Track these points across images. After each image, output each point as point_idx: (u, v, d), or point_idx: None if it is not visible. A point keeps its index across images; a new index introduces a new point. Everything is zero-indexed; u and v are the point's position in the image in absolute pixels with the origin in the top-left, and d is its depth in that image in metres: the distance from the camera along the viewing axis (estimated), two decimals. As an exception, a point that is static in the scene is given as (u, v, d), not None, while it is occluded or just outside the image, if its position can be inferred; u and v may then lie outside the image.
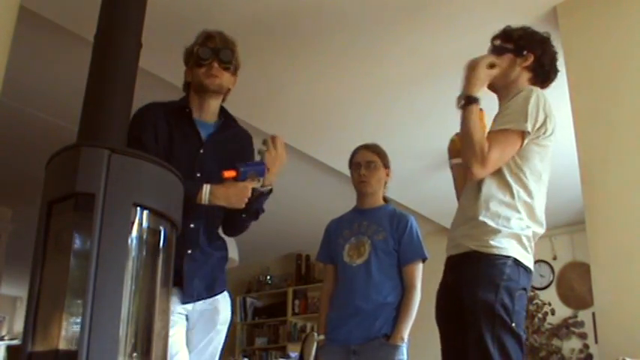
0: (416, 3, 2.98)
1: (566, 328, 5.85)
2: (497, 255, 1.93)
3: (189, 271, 2.00)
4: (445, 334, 2.07)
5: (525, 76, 2.16)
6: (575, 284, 5.89)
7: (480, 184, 2.03)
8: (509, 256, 1.93)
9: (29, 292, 1.52)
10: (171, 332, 1.87)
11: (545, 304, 6.02)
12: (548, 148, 2.07)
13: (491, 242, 1.94)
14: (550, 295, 6.04)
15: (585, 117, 2.70)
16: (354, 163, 2.83)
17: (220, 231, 2.20)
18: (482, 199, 2.00)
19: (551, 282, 6.08)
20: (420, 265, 2.70)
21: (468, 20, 3.04)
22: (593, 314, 4.42)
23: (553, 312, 5.99)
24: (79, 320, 1.43)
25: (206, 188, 1.93)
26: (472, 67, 2.08)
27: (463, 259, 1.98)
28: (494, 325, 1.85)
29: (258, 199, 2.05)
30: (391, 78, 3.64)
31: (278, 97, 3.86)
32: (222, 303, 2.12)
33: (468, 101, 2.03)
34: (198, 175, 2.04)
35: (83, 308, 1.41)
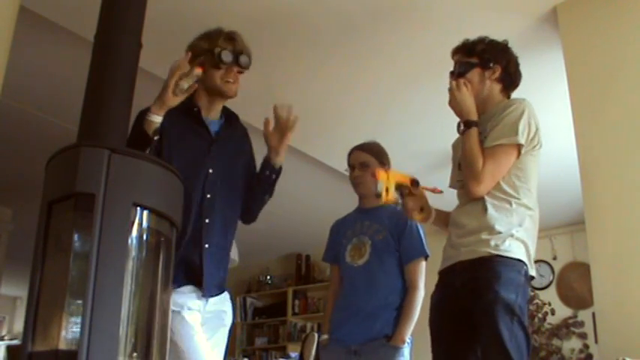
0: (416, 2, 2.98)
1: (566, 328, 5.85)
2: (515, 260, 1.98)
3: (207, 265, 2.02)
4: (444, 338, 2.09)
5: (496, 87, 2.20)
6: (575, 284, 5.89)
7: (489, 194, 2.06)
8: (524, 265, 2.00)
9: (29, 292, 1.52)
10: (193, 331, 1.91)
11: (545, 304, 6.02)
12: (537, 157, 2.12)
13: (509, 248, 1.99)
14: (550, 295, 6.04)
15: (585, 117, 2.70)
16: (349, 165, 2.83)
17: (233, 229, 2.21)
18: (494, 209, 2.04)
19: (551, 282, 6.08)
20: (423, 264, 2.68)
21: (467, 20, 3.04)
22: (593, 314, 4.42)
23: (553, 312, 5.99)
24: (79, 320, 1.43)
25: (149, 114, 1.90)
26: (457, 99, 2.13)
27: (481, 262, 2.01)
28: (513, 324, 1.91)
29: (270, 178, 2.11)
30: (390, 77, 3.64)
31: (277, 96, 3.85)
32: (227, 303, 2.14)
33: (468, 125, 2.09)
34: (210, 171, 2.09)
35: (83, 308, 1.41)
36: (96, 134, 1.69)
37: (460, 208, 2.16)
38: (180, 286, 1.95)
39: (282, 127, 2.21)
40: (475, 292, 1.98)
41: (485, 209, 2.04)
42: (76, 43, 3.08)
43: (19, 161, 4.71)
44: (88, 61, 1.79)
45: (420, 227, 2.73)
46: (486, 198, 2.05)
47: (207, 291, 2.02)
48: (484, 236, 2.01)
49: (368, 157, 2.77)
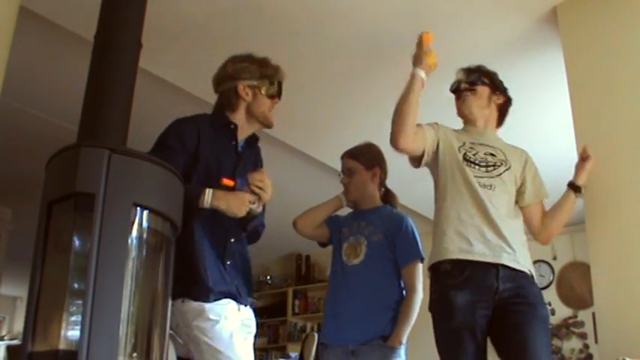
0: (416, 2, 2.98)
1: (566, 328, 5.85)
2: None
3: (238, 278, 2.10)
4: (475, 336, 2.09)
5: (495, 114, 2.39)
6: (575, 284, 5.89)
7: (518, 217, 2.29)
8: None
9: (29, 292, 1.52)
10: (235, 336, 1.97)
11: (545, 304, 6.01)
12: None
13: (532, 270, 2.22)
14: (550, 295, 6.03)
15: (585, 117, 2.70)
16: (341, 170, 2.85)
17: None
18: (522, 229, 2.28)
19: (551, 282, 6.08)
20: (419, 266, 2.67)
21: (468, 20, 3.04)
22: (593, 314, 4.41)
23: (553, 312, 5.98)
24: (79, 320, 1.43)
25: (209, 192, 1.96)
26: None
27: (525, 276, 2.17)
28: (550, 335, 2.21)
29: (253, 219, 2.14)
30: (390, 78, 3.63)
31: (278, 97, 3.86)
32: (251, 312, 2.18)
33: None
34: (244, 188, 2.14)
35: (83, 308, 1.42)
36: (96, 134, 1.69)
37: (499, 210, 2.22)
38: (217, 299, 2.00)
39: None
40: (525, 300, 2.13)
41: (521, 228, 2.28)
42: (76, 43, 3.08)
43: (19, 161, 4.71)
44: (88, 61, 1.80)
45: (415, 230, 2.72)
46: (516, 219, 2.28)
47: (242, 300, 2.09)
48: (525, 253, 2.20)
49: (353, 163, 2.78)
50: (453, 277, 2.14)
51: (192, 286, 1.96)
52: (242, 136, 2.22)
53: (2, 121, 3.98)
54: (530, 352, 2.02)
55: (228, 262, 2.08)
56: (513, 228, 2.22)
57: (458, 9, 2.99)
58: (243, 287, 2.12)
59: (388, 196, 2.85)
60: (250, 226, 2.16)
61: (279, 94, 2.22)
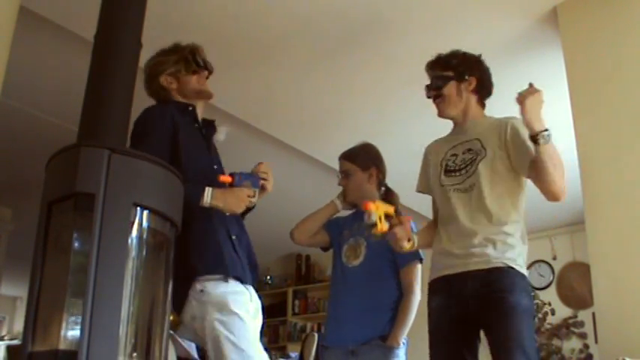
0: (415, 3, 2.98)
1: (566, 328, 5.85)
2: (523, 274, 2.10)
3: (242, 256, 2.09)
4: (449, 343, 2.13)
5: (473, 98, 2.29)
6: (575, 284, 5.89)
7: (493, 205, 2.14)
8: (528, 279, 2.13)
9: (29, 292, 1.52)
10: (257, 333, 1.97)
11: (545, 304, 6.02)
12: None
13: (518, 263, 2.09)
14: (550, 295, 6.04)
15: (585, 117, 2.70)
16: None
17: None
18: (505, 222, 2.14)
19: (551, 282, 6.08)
20: (418, 267, 2.67)
21: (467, 20, 3.04)
22: (593, 314, 4.41)
23: (553, 312, 5.99)
24: (79, 320, 1.43)
25: (208, 191, 1.97)
26: (537, 102, 2.09)
27: (494, 272, 2.08)
28: (533, 325, 2.06)
29: (250, 210, 2.16)
30: (389, 77, 3.64)
31: (276, 97, 3.86)
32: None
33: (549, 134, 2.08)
34: (215, 167, 2.16)
35: (83, 308, 1.41)
36: (96, 134, 1.69)
37: (464, 214, 2.17)
38: (246, 282, 2.01)
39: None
40: (486, 299, 2.05)
41: (500, 219, 2.13)
42: (76, 43, 3.08)
43: (19, 161, 4.71)
44: (88, 61, 1.79)
45: (414, 230, 2.72)
46: (498, 210, 2.13)
47: (251, 278, 2.08)
48: (500, 247, 2.09)
49: (349, 165, 2.79)
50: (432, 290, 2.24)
51: (211, 263, 1.96)
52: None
53: (2, 121, 3.99)
54: (505, 352, 2.00)
55: (234, 237, 2.09)
56: (498, 219, 2.13)
57: (458, 9, 2.99)
58: (250, 273, 2.11)
59: (388, 196, 2.85)
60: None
61: (201, 66, 2.23)
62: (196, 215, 1.95)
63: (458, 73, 2.28)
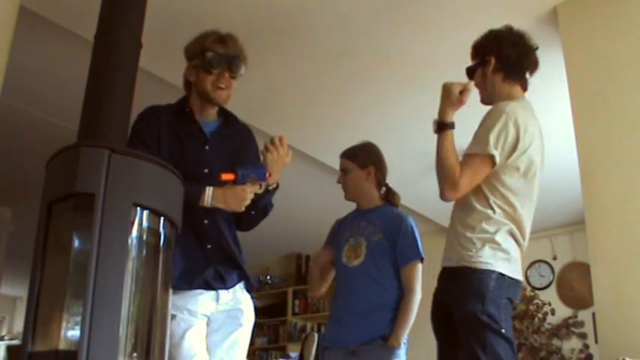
0: (415, 2, 2.98)
1: (566, 328, 5.85)
2: (483, 270, 1.98)
3: (212, 265, 2.03)
4: (439, 342, 2.13)
5: (498, 78, 2.15)
6: (575, 284, 5.89)
7: (465, 201, 2.06)
8: (493, 270, 1.98)
9: (29, 292, 1.52)
10: (188, 333, 1.92)
11: (545, 304, 6.02)
12: (525, 164, 2.05)
13: (478, 258, 1.98)
14: (550, 295, 6.04)
15: (585, 117, 2.70)
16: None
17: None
18: (468, 216, 2.05)
19: (551, 282, 6.08)
20: (419, 266, 2.67)
21: (467, 20, 3.03)
22: (593, 314, 4.42)
23: (553, 312, 5.99)
24: (79, 320, 1.43)
25: (208, 191, 1.94)
26: (444, 93, 2.11)
27: (452, 273, 2.04)
28: (485, 334, 1.90)
29: (264, 196, 2.05)
30: (390, 77, 3.64)
31: (277, 97, 3.86)
32: (245, 303, 2.12)
33: (440, 127, 2.09)
34: (206, 171, 2.05)
35: (83, 308, 1.41)
36: (96, 134, 1.69)
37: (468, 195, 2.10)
38: (184, 289, 1.96)
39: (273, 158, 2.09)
40: (446, 306, 2.02)
41: (465, 215, 2.05)
42: (76, 43, 3.08)
43: (19, 161, 4.71)
44: (88, 61, 1.79)
45: (415, 229, 2.72)
46: (468, 202, 2.05)
47: (224, 285, 2.03)
48: (458, 245, 2.04)
49: (348, 163, 2.81)
50: None
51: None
52: (206, 117, 2.13)
53: (2, 121, 3.98)
54: None
55: (209, 246, 2.03)
56: (464, 208, 2.08)
57: (457, 10, 2.99)
58: (228, 270, 2.05)
59: (389, 195, 2.85)
60: (260, 204, 2.08)
61: (214, 65, 2.01)
62: None
63: (482, 58, 2.18)
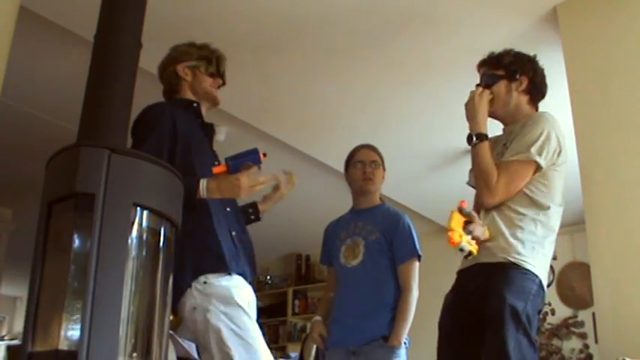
0: (415, 3, 2.98)
1: (566, 328, 5.85)
2: (530, 271, 2.01)
3: (242, 251, 2.09)
4: (451, 340, 2.10)
5: (524, 99, 2.22)
6: (575, 284, 5.89)
7: (517, 202, 2.09)
8: (537, 276, 2.02)
9: (29, 292, 1.52)
10: (255, 328, 1.94)
11: (545, 304, 6.01)
12: (563, 168, 2.13)
13: (527, 259, 2.02)
14: (550, 295, 6.02)
15: (585, 117, 2.70)
16: (355, 161, 2.81)
17: None
18: (518, 218, 2.07)
19: (551, 282, 6.08)
20: (416, 264, 2.67)
21: (467, 20, 3.04)
22: (593, 314, 4.42)
23: (553, 312, 5.99)
24: (79, 320, 1.43)
25: (202, 183, 1.97)
26: (475, 105, 2.14)
27: (496, 267, 2.03)
28: (519, 331, 1.91)
29: (249, 219, 2.27)
30: (389, 78, 3.64)
31: (277, 97, 3.86)
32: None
33: (479, 139, 2.11)
34: (216, 163, 2.16)
35: (83, 308, 1.41)
36: (96, 134, 1.69)
37: (483, 212, 2.15)
38: (232, 274, 1.98)
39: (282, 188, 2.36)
40: (481, 297, 1.99)
41: (512, 216, 2.07)
42: (76, 43, 3.08)
43: (19, 161, 4.71)
44: (88, 61, 1.79)
45: (412, 227, 2.72)
46: (503, 208, 2.08)
47: (250, 276, 2.07)
48: (505, 242, 2.03)
49: (377, 156, 2.83)
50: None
51: (210, 260, 1.95)
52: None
53: (2, 121, 3.99)
54: None
55: (233, 233, 2.09)
56: (513, 209, 2.10)
57: (458, 9, 2.99)
58: (248, 266, 2.11)
59: (381, 197, 2.89)
60: None
61: (219, 75, 2.25)
62: (197, 213, 1.95)
63: (509, 73, 2.22)
